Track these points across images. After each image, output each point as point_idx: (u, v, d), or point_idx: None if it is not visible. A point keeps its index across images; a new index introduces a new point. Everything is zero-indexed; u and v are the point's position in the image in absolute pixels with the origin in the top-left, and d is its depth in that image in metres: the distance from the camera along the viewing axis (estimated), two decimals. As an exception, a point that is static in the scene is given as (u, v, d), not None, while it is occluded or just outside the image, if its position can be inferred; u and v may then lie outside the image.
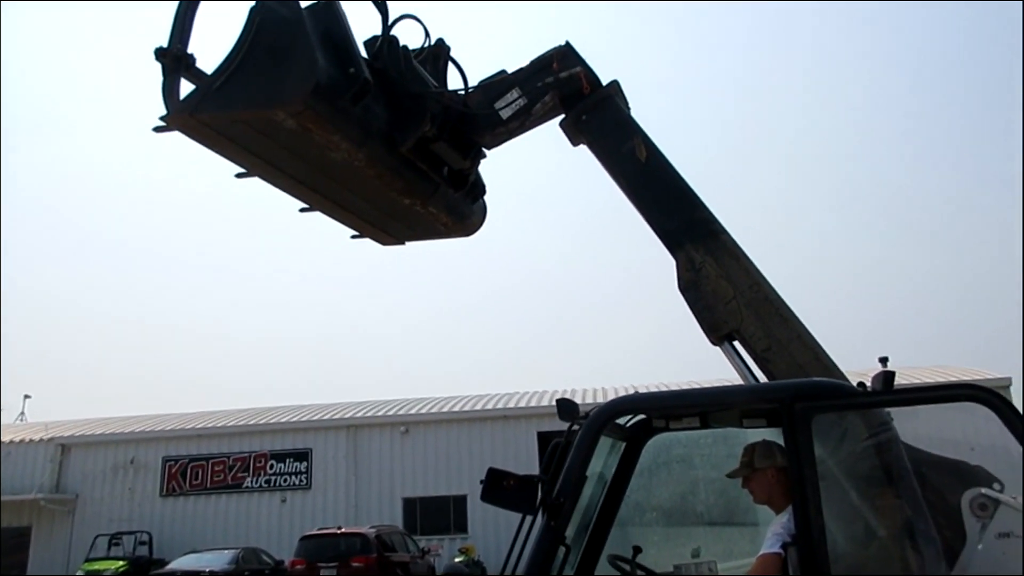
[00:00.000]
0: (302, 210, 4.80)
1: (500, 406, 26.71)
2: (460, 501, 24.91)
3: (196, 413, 29.64)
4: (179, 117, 3.87)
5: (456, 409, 26.87)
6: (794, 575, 3.18)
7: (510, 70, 4.50)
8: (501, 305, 62.25)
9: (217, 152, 4.17)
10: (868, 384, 3.45)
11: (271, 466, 26.31)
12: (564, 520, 3.44)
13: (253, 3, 3.82)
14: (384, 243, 5.25)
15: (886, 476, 3.39)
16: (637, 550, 4.02)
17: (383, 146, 4.10)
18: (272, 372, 59.48)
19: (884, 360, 3.89)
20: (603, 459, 4.18)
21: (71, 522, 26.77)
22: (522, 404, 26.70)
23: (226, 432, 27.05)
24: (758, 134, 66.19)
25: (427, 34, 4.60)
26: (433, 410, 26.87)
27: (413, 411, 26.82)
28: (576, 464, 3.46)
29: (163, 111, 3.92)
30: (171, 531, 25.69)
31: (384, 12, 4.20)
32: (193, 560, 18.75)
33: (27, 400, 43.36)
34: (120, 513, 26.38)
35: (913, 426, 3.41)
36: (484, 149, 4.62)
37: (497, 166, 4.85)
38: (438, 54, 4.76)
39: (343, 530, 17.65)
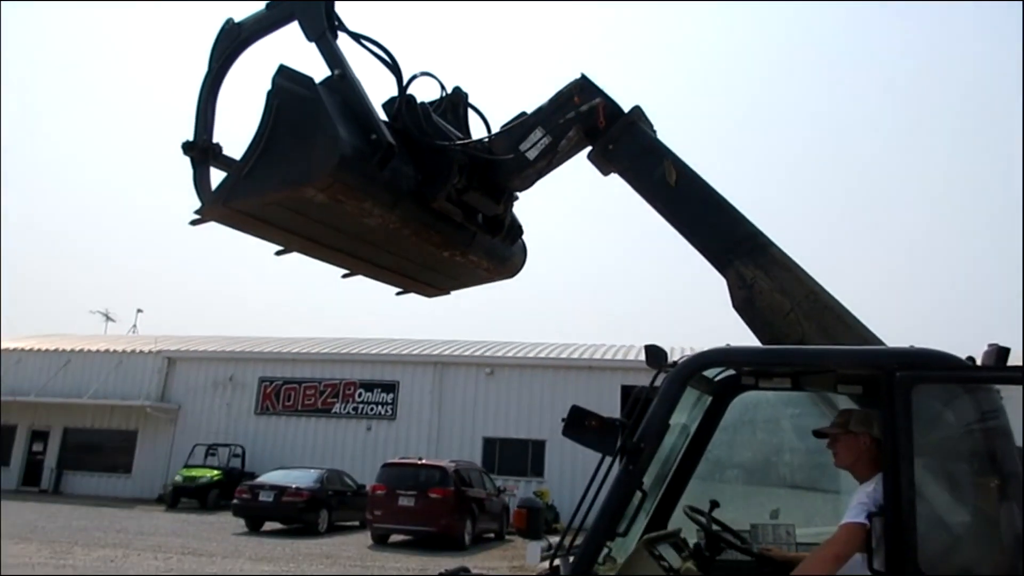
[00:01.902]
0: (344, 276, 4.90)
1: (586, 356, 26.74)
2: (539, 446, 25.26)
3: (293, 338, 30.87)
4: (214, 208, 3.96)
5: (542, 356, 27.05)
6: (877, 548, 3.08)
7: (529, 109, 4.44)
8: (596, 256, 61.96)
9: (254, 235, 4.24)
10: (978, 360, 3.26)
11: (359, 395, 27.23)
12: (643, 466, 3.41)
13: (269, 88, 3.83)
14: (430, 296, 5.32)
15: (989, 460, 3.20)
16: (714, 504, 3.96)
17: (415, 204, 4.09)
18: (365, 305, 61.18)
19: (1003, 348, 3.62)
20: (687, 411, 4.12)
21: (173, 430, 28.54)
22: (608, 356, 26.65)
23: (319, 359, 28.10)
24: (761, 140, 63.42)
25: (443, 86, 4.65)
26: (519, 355, 27.13)
27: (499, 354, 27.15)
28: (660, 412, 3.41)
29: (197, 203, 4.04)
30: (262, 447, 27.07)
31: (398, 73, 4.17)
32: (281, 476, 19.61)
33: (139, 314, 46.23)
34: (217, 426, 27.95)
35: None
36: (515, 192, 4.57)
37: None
38: (456, 102, 4.77)
39: (424, 461, 18.11)
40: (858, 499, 3.25)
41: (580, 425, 3.48)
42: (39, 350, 30.98)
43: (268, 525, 18.85)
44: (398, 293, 5.26)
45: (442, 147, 4.13)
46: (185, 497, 24.27)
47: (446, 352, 27.72)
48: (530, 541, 3.68)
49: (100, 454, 29.16)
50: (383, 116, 4.11)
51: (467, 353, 27.41)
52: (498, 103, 4.78)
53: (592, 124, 4.31)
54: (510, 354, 27.10)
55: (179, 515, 21.94)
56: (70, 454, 29.66)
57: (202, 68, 4.38)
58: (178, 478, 24.51)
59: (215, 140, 4.25)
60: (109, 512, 21.60)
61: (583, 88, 4.37)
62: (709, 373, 3.96)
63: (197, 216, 4.08)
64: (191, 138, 4.25)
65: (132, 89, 68.16)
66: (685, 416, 4.15)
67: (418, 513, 16.50)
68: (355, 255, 4.58)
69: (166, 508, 23.98)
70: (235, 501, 18.92)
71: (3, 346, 31.27)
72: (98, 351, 30.42)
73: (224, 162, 4.21)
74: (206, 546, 14.91)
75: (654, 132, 4.50)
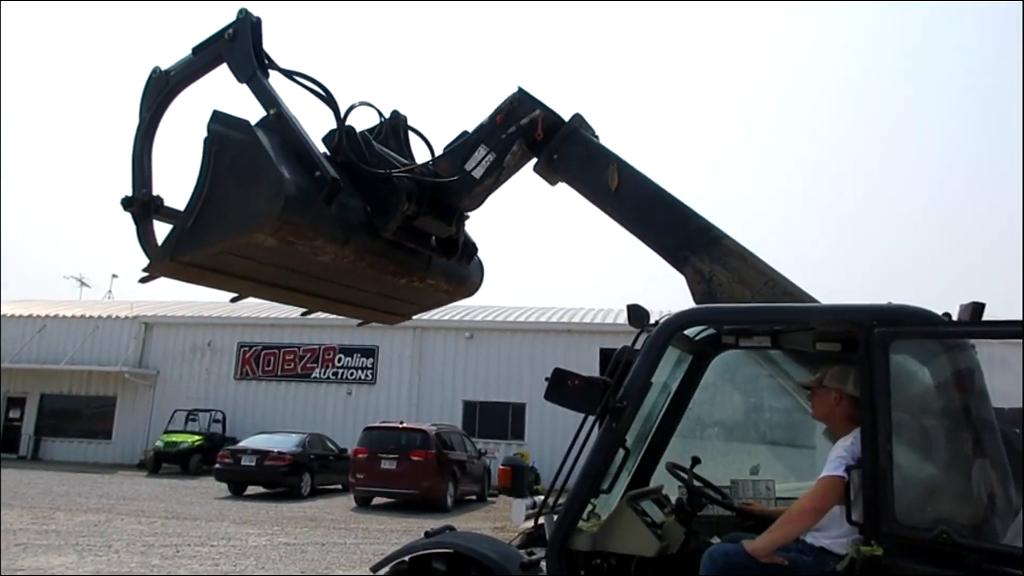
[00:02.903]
0: (304, 314, 4.85)
1: (565, 320, 26.88)
2: (519, 408, 25.46)
3: (271, 304, 30.62)
4: (160, 264, 3.88)
5: (521, 320, 27.15)
6: (855, 500, 3.15)
7: (469, 127, 4.42)
8: (573, 220, 61.94)
9: (206, 285, 4.18)
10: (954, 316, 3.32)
11: (339, 360, 27.22)
12: (626, 423, 3.47)
13: (205, 135, 3.74)
14: (391, 323, 5.34)
15: (964, 415, 3.27)
16: (696, 460, 4.04)
17: (367, 236, 4.05)
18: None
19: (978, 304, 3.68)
20: (669, 369, 4.18)
21: (152, 396, 28.42)
22: (587, 320, 26.81)
23: (298, 324, 27.97)
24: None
25: (380, 113, 4.61)
26: (499, 319, 27.20)
27: (479, 318, 27.20)
28: (642, 370, 3.46)
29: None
30: (243, 412, 27.05)
31: (334, 106, 4.13)
32: (263, 440, 19.62)
33: (114, 279, 45.64)
34: (196, 391, 27.86)
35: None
36: (466, 212, 4.55)
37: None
38: (396, 126, 4.74)
39: (405, 425, 18.20)
40: (836, 453, 3.33)
41: (563, 386, 3.52)
42: (13, 316, 30.51)
43: (251, 489, 18.92)
44: (359, 324, 5.30)
45: (387, 176, 4.07)
46: (167, 462, 24.21)
47: (425, 317, 27.27)
48: (515, 500, 3.73)
49: (79, 420, 29.00)
50: (324, 150, 4.05)
51: (447, 318, 27.40)
52: (440, 120, 4.73)
53: (532, 137, 4.29)
54: (489, 318, 27.16)
55: (161, 480, 21.94)
56: (48, 420, 29.46)
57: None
58: (159, 443, 24.45)
59: (155, 192, 4.16)
60: (90, 478, 21.56)
61: (521, 101, 4.34)
62: (690, 332, 4.01)
63: (145, 274, 4.01)
64: (130, 193, 4.15)
65: (105, 47, 66.68)
66: (667, 375, 4.21)
67: (400, 476, 16.64)
68: (312, 293, 4.54)
69: (148, 473, 23.96)
70: (217, 466, 18.93)
71: (-24, 313, 30.94)
72: (74, 316, 30.09)
73: (167, 214, 4.12)
74: (189, 510, 14.96)
75: (596, 137, 4.47)
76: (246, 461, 18.41)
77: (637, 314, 3.59)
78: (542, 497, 3.76)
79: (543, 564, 3.52)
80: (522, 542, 4.17)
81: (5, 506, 14.29)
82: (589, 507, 3.65)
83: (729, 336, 4.07)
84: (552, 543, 3.43)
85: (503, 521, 14.43)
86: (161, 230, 4.06)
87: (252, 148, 3.61)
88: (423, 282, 4.60)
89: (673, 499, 4.06)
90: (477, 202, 4.42)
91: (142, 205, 4.13)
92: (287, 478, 18.43)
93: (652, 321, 3.59)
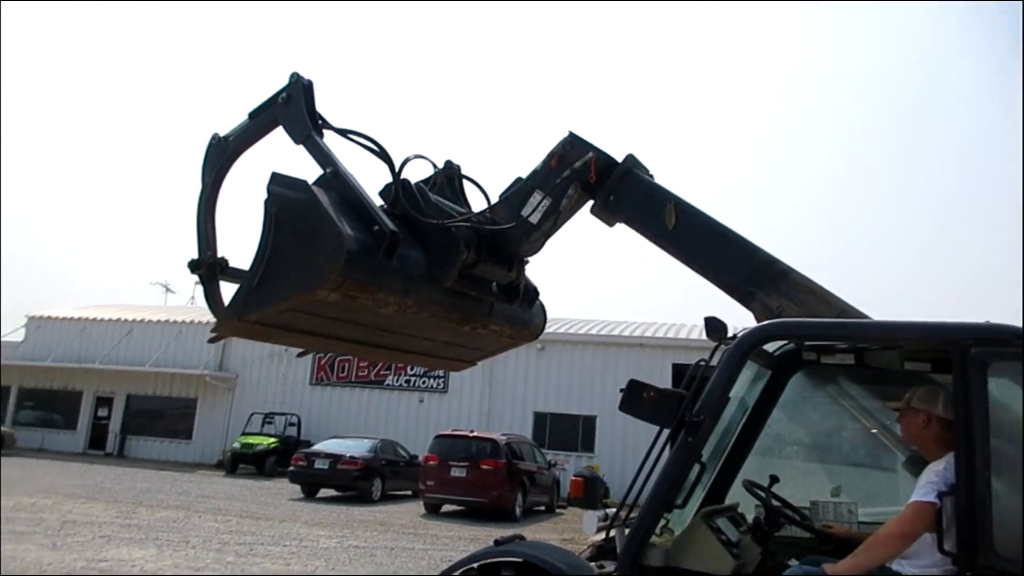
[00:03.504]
0: (367, 364, 4.92)
1: (637, 334, 26.58)
2: (589, 421, 25.27)
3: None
4: (228, 324, 3.99)
5: (593, 332, 26.97)
6: (947, 529, 2.99)
7: (524, 172, 4.43)
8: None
9: (273, 342, 4.29)
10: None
11: (411, 368, 27.50)
12: (703, 438, 3.37)
13: (266, 196, 3.82)
14: (457, 370, 5.40)
15: None
16: (774, 479, 3.90)
17: (428, 286, 4.08)
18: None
19: None
20: (747, 384, 4.06)
21: (231, 399, 29.29)
22: (659, 335, 26.47)
23: (372, 331, 28.40)
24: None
25: (434, 165, 4.66)
26: (570, 331, 27.08)
27: (551, 330, 27.07)
28: (720, 383, 3.36)
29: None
30: (317, 416, 27.61)
31: (389, 161, 4.16)
32: (336, 444, 19.95)
33: (197, 287, 47.30)
34: (273, 395, 28.58)
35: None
36: (526, 257, 4.57)
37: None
38: (451, 176, 4.79)
39: (475, 434, 18.25)
40: (927, 478, 3.17)
41: (638, 398, 3.45)
42: (102, 319, 31.98)
43: (323, 492, 19.27)
44: (425, 372, 5.35)
45: (445, 226, 4.10)
46: (243, 463, 24.97)
47: (497, 327, 27.67)
48: (586, 511, 3.67)
49: (162, 420, 30.13)
50: (382, 203, 4.13)
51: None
52: (492, 167, 4.76)
53: (587, 179, 4.28)
54: (561, 331, 27.07)
55: (238, 480, 22.56)
56: (133, 420, 30.73)
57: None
58: (236, 445, 25.18)
59: (220, 254, 4.33)
60: (171, 476, 22.31)
61: (573, 145, 4.32)
62: (770, 347, 3.89)
63: (214, 334, 4.19)
64: (196, 256, 4.33)
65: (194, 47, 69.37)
66: (744, 390, 4.09)
67: (470, 484, 16.67)
68: (376, 344, 4.62)
69: (225, 473, 24.71)
70: (291, 468, 19.35)
71: (69, 315, 32.48)
72: (159, 321, 31.28)
73: (232, 274, 4.27)
74: (264, 510, 15.31)
75: (651, 176, 4.42)
76: (319, 464, 18.76)
77: (715, 327, 3.50)
78: (614, 510, 3.69)
79: (614, 579, 3.44)
80: (592, 555, 4.10)
81: (91, 500, 14.88)
82: (662, 522, 3.56)
83: (810, 352, 3.94)
84: (624, 556, 3.35)
85: (572, 533, 14.30)
86: (228, 289, 4.22)
87: (311, 206, 3.68)
88: (486, 328, 4.64)
89: (749, 518, 3.94)
90: (536, 247, 4.45)
91: (208, 267, 4.30)
92: (358, 482, 18.69)
93: (730, 335, 3.49)
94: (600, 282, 58.37)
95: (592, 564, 3.71)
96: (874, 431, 4.52)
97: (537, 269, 4.77)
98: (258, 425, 26.70)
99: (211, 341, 4.23)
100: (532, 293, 4.82)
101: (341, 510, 16.44)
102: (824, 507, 4.14)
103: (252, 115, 4.35)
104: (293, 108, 4.16)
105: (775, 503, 3.81)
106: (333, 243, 3.56)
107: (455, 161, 4.87)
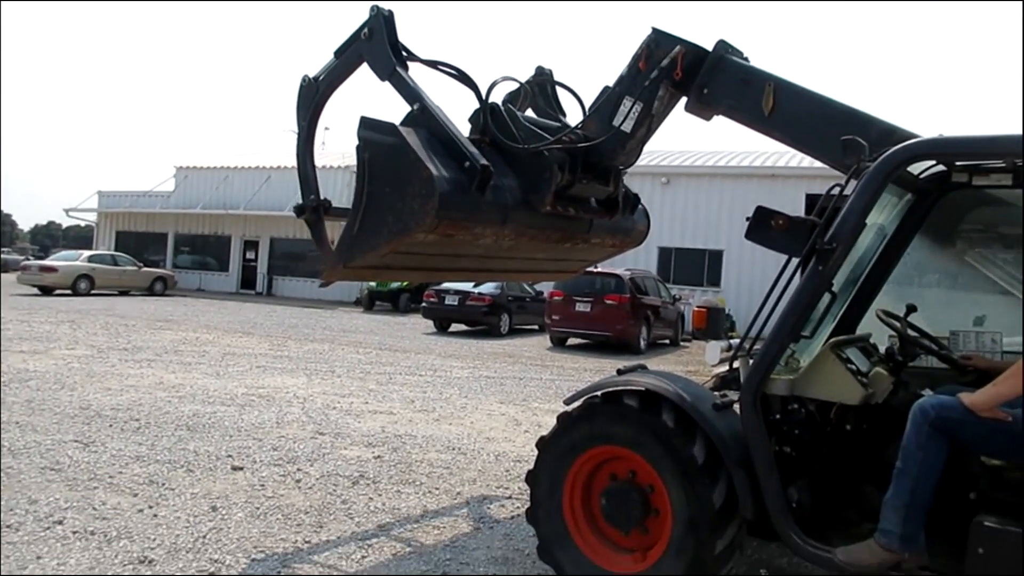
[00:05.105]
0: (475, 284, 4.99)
1: (769, 164, 25.43)
2: (716, 255, 24.93)
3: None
4: (334, 271, 4.12)
5: (720, 164, 26.02)
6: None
7: (610, 82, 4.16)
8: (777, 53, 57.69)
9: (382, 280, 4.32)
10: None
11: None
12: (834, 266, 3.22)
13: (357, 143, 3.81)
14: (563, 280, 5.59)
15: None
16: (911, 308, 3.72)
17: (525, 213, 4.05)
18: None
19: None
20: (888, 210, 3.82)
21: (366, 240, 30.52)
22: (792, 164, 25.22)
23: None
24: None
25: (520, 84, 4.57)
26: (696, 163, 26.24)
27: (676, 163, 26.38)
28: (856, 209, 3.16)
29: None
30: (446, 256, 28.49)
31: (475, 88, 4.08)
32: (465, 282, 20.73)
33: (326, 131, 48.55)
34: (404, 236, 29.57)
35: None
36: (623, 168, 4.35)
37: None
38: (542, 83, 4.69)
39: (599, 270, 18.39)
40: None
41: (766, 226, 3.30)
42: (243, 167, 33.58)
43: (454, 326, 20.22)
44: (531, 284, 5.43)
45: (537, 150, 4.01)
46: (379, 300, 26.68)
47: (621, 162, 27.12)
48: (710, 341, 3.65)
49: (303, 261, 31.94)
50: (471, 133, 4.10)
51: (643, 163, 26.62)
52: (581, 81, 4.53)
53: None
54: (687, 163, 26.27)
55: (375, 316, 23.99)
56: (278, 262, 32.89)
57: None
58: (373, 284, 26.56)
59: (323, 196, 4.51)
60: (315, 312, 23.92)
61: (658, 42, 3.99)
62: (914, 168, 3.60)
63: (323, 281, 4.37)
64: (300, 200, 4.51)
65: None
66: (884, 216, 3.85)
67: (594, 318, 17.02)
68: (479, 269, 4.80)
69: (363, 310, 26.35)
70: (424, 304, 20.33)
71: (212, 165, 34.28)
72: (294, 167, 32.37)
73: (337, 214, 4.41)
74: (400, 343, 16.25)
75: (746, 60, 4.01)
76: (449, 301, 19.58)
77: (853, 147, 3.24)
78: (738, 340, 3.65)
79: (736, 407, 3.45)
80: (715, 385, 4.12)
81: (247, 335, 16.20)
82: (788, 352, 3.50)
83: (961, 173, 3.62)
84: (747, 386, 3.33)
85: (696, 365, 14.49)
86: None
87: (401, 151, 3.67)
88: (587, 243, 4.70)
89: (882, 349, 3.81)
90: (633, 157, 4.28)
91: (313, 211, 4.47)
92: (487, 317, 19.47)
93: (871, 155, 3.23)
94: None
95: (715, 394, 3.72)
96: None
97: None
98: (391, 265, 27.94)
99: (322, 286, 4.46)
100: (633, 200, 4.78)
101: (472, 343, 17.24)
102: (965, 337, 3.93)
103: (337, 53, 4.36)
104: (376, 43, 4.13)
105: (911, 333, 3.65)
106: (425, 186, 3.59)
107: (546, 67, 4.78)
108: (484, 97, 4.10)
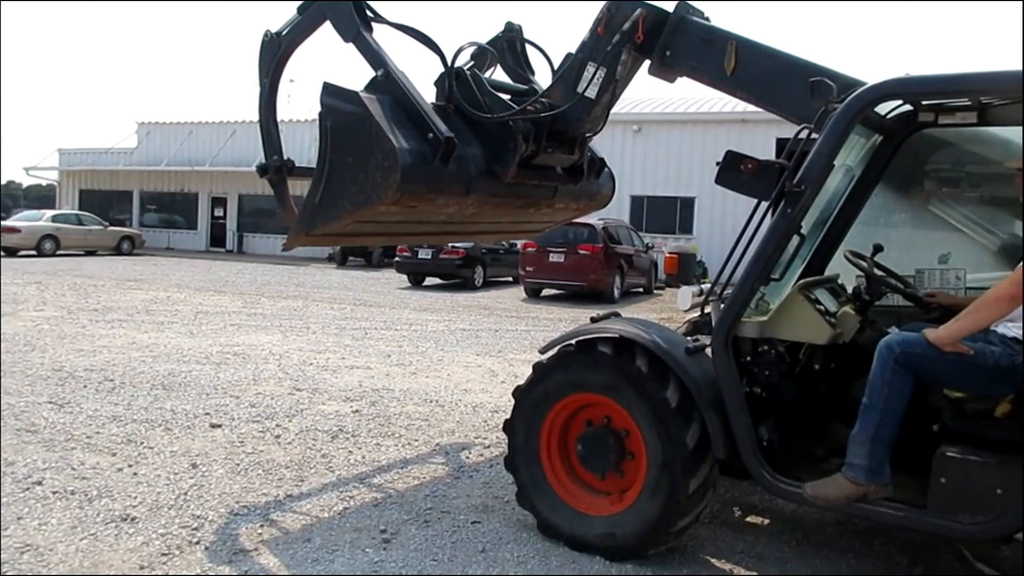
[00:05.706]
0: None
1: (740, 109, 25.39)
2: (687, 203, 25.01)
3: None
4: (298, 238, 4.10)
5: (691, 111, 25.95)
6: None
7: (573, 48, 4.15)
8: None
9: (344, 244, 4.30)
10: None
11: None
12: (803, 209, 3.26)
13: (319, 109, 3.71)
14: (526, 240, 5.59)
15: None
16: (877, 248, 3.78)
17: (488, 182, 4.00)
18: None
19: None
20: (855, 151, 3.85)
21: (333, 195, 30.20)
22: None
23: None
24: None
25: (486, 48, 4.53)
26: (667, 110, 26.13)
27: (647, 110, 26.25)
28: (824, 151, 3.19)
29: None
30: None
31: (440, 53, 4.01)
32: (437, 235, 20.65)
33: (291, 83, 47.59)
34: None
35: None
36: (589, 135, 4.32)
37: None
38: (512, 40, 4.62)
39: (572, 220, 18.40)
40: (1043, 240, 3.00)
41: (736, 170, 3.33)
42: (207, 122, 32.93)
43: (428, 281, 20.20)
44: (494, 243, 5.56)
45: (501, 120, 3.97)
46: (352, 256, 26.44)
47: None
48: (681, 286, 3.69)
49: (273, 218, 31.57)
50: (436, 99, 4.04)
51: (614, 111, 26.30)
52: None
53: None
54: (657, 110, 26.13)
55: (348, 271, 23.88)
56: (247, 219, 32.49)
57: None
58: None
59: (286, 156, 4.49)
60: (287, 269, 23.74)
61: (619, 6, 3.96)
62: (881, 109, 3.63)
63: (286, 245, 4.38)
64: (263, 160, 4.43)
65: None
66: (851, 157, 3.88)
67: (568, 268, 17.07)
68: (443, 233, 4.84)
69: (336, 265, 26.18)
70: (397, 259, 20.21)
71: (175, 120, 33.57)
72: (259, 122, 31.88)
73: (300, 174, 4.36)
74: (375, 298, 16.23)
75: (707, 20, 3.99)
76: (423, 255, 19.49)
77: (821, 89, 3.26)
78: (709, 285, 3.70)
79: (708, 350, 3.51)
80: (688, 330, 4.18)
81: (219, 292, 16.07)
82: (758, 295, 3.56)
83: (927, 112, 3.66)
84: (718, 329, 3.39)
85: (669, 312, 14.64)
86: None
87: (364, 120, 3.60)
88: (552, 207, 4.69)
89: (850, 290, 3.88)
90: (599, 124, 4.27)
91: (276, 171, 4.42)
92: (461, 270, 19.43)
93: (838, 96, 3.25)
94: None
95: (687, 338, 3.78)
96: (989, 196, 4.28)
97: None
98: (363, 219, 27.71)
99: (284, 249, 4.51)
100: (599, 164, 4.77)
101: (446, 296, 17.26)
102: (930, 275, 4.02)
103: (300, 10, 4.24)
104: (340, 4, 4.03)
105: (877, 272, 3.72)
106: (388, 158, 3.55)
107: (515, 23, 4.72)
108: (450, 63, 4.05)
